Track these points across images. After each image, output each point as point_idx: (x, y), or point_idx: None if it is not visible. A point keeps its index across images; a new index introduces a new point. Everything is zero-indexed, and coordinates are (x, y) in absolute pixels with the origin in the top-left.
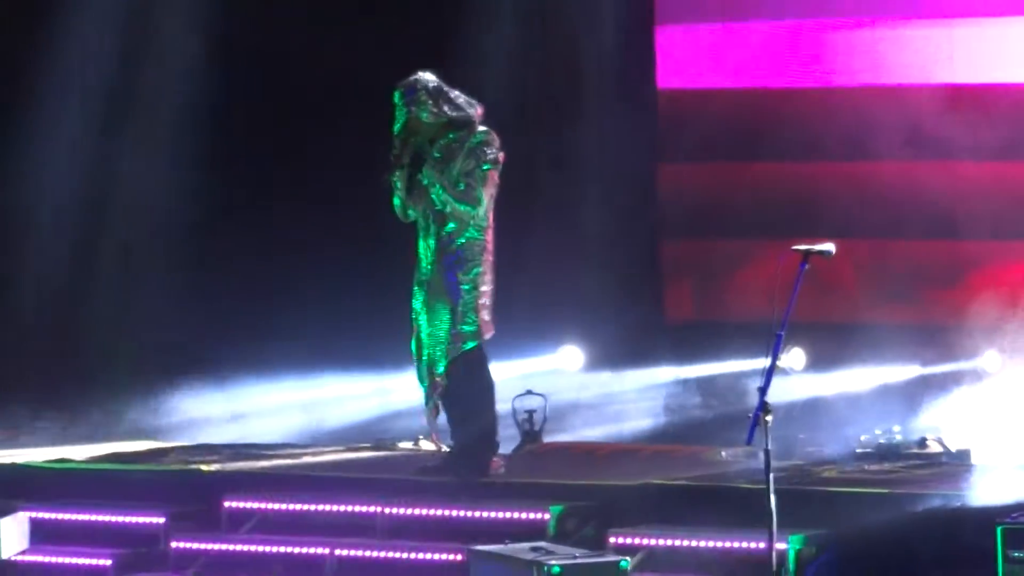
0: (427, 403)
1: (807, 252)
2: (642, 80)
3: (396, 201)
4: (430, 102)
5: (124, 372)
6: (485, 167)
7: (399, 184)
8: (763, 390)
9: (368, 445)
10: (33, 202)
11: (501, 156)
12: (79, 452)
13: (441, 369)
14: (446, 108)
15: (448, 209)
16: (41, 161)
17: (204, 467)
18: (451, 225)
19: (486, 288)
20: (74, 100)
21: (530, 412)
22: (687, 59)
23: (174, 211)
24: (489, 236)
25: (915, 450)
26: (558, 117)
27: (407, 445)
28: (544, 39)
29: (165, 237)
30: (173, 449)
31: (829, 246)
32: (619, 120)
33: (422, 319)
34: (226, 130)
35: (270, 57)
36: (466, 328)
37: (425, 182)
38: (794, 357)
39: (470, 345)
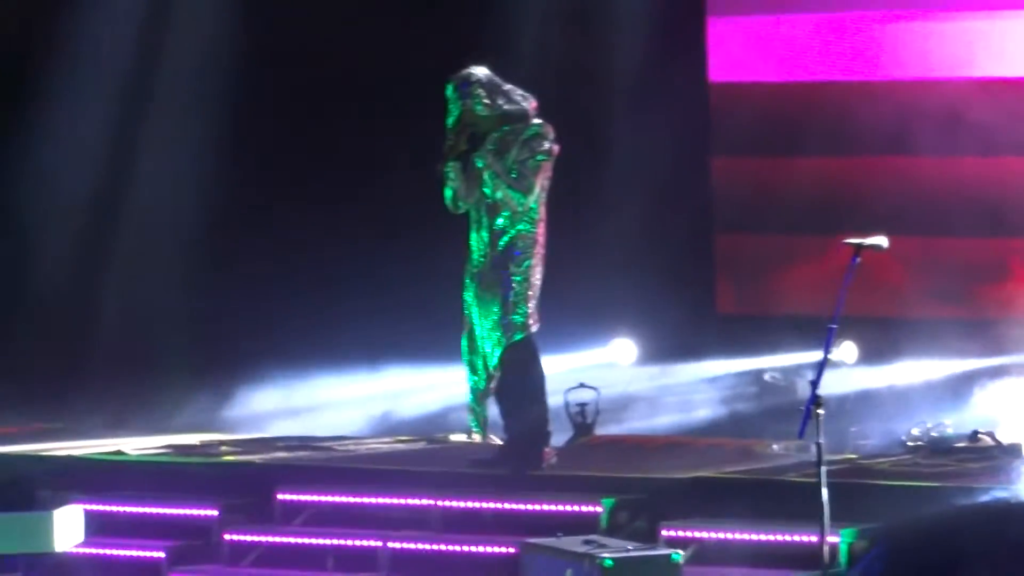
0: (476, 395)
1: (859, 246)
2: (694, 73)
3: (448, 193)
4: (484, 95)
5: (191, 364)
6: (539, 158)
7: (452, 176)
8: (815, 383)
9: (421, 438)
10: (85, 195)
11: (555, 148)
12: (140, 443)
13: (493, 361)
14: (500, 101)
15: (500, 196)
16: (80, 155)
17: (257, 459)
18: (503, 218)
19: (536, 280)
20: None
21: (582, 405)
22: (738, 52)
23: (229, 206)
24: (541, 229)
25: (966, 444)
26: (608, 111)
27: (460, 438)
28: (593, 35)
29: (222, 230)
30: (227, 441)
31: (881, 239)
32: (671, 113)
33: (474, 311)
34: (273, 124)
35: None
36: (516, 319)
37: (480, 164)
38: (846, 351)
39: (519, 336)
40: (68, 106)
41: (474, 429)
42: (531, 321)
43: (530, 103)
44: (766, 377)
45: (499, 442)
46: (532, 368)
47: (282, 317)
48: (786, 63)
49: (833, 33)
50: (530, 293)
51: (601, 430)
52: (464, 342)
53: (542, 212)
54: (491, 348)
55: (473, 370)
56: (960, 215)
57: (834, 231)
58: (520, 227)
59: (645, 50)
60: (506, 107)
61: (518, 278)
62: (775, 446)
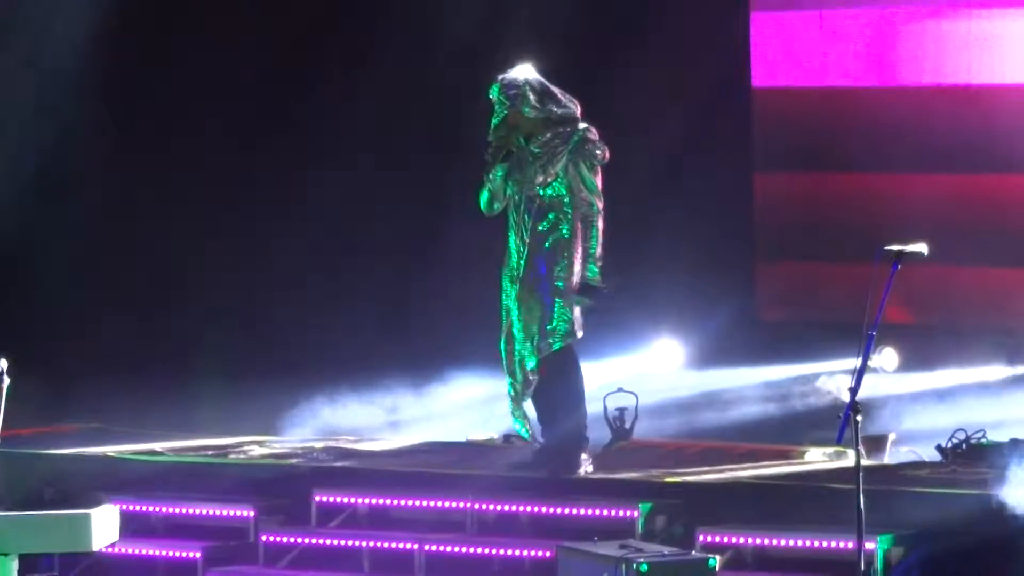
0: (516, 399)
1: (899, 253)
2: (737, 79)
3: (484, 195)
4: (534, 98)
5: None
6: (595, 161)
7: (493, 178)
8: (854, 390)
9: (460, 441)
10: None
11: (606, 151)
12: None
13: (532, 365)
14: (549, 104)
15: (551, 193)
16: None
17: (295, 461)
18: (546, 222)
19: (575, 281)
20: None
21: (621, 410)
22: (782, 54)
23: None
24: (584, 232)
25: (1005, 451)
26: (646, 114)
27: (498, 441)
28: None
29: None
30: (266, 442)
31: (922, 247)
32: (714, 120)
33: (513, 315)
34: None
35: None
36: (561, 326)
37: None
38: (886, 357)
39: (565, 341)
40: None
41: (519, 433)
42: (575, 327)
43: (577, 107)
44: (811, 454)
45: (537, 446)
46: (572, 373)
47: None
48: (836, 66)
49: (891, 31)
50: (573, 298)
51: (641, 434)
52: (503, 345)
53: (580, 233)
54: (529, 351)
55: (512, 374)
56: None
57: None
58: (563, 230)
59: (688, 54)
60: (556, 110)
61: (560, 283)
62: (812, 451)
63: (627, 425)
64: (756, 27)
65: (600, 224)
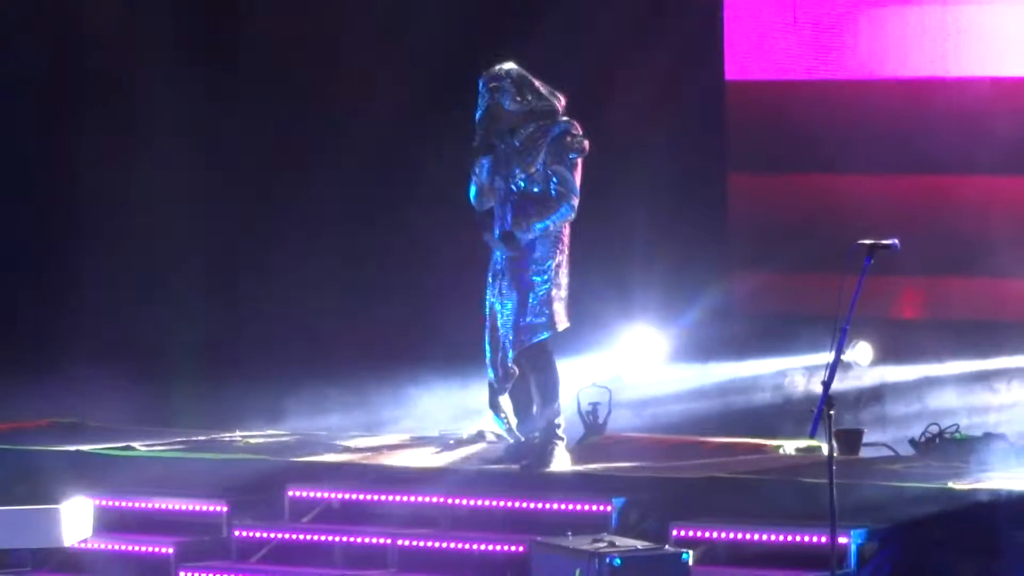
0: (495, 394)
1: (872, 247)
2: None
3: (473, 189)
4: (514, 91)
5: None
6: (572, 156)
7: (478, 172)
8: (827, 384)
9: (433, 436)
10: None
11: (586, 144)
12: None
13: (510, 360)
14: (531, 97)
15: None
16: None
17: (268, 456)
18: (527, 216)
19: (561, 281)
20: None
21: (594, 404)
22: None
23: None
24: (566, 229)
25: (979, 445)
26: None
27: (471, 436)
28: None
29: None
30: (239, 438)
31: (894, 241)
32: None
33: (496, 309)
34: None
35: None
36: (537, 320)
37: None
38: (860, 352)
39: (541, 337)
40: None
41: (499, 427)
42: (556, 322)
43: (559, 101)
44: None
45: (511, 441)
46: (547, 368)
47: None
48: (818, 57)
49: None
50: (555, 293)
51: (614, 429)
52: (487, 341)
53: (563, 231)
54: (509, 346)
55: (493, 368)
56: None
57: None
58: (544, 225)
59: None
60: (536, 103)
61: (539, 278)
62: (786, 446)
63: (600, 420)
64: (729, 16)
65: (570, 217)
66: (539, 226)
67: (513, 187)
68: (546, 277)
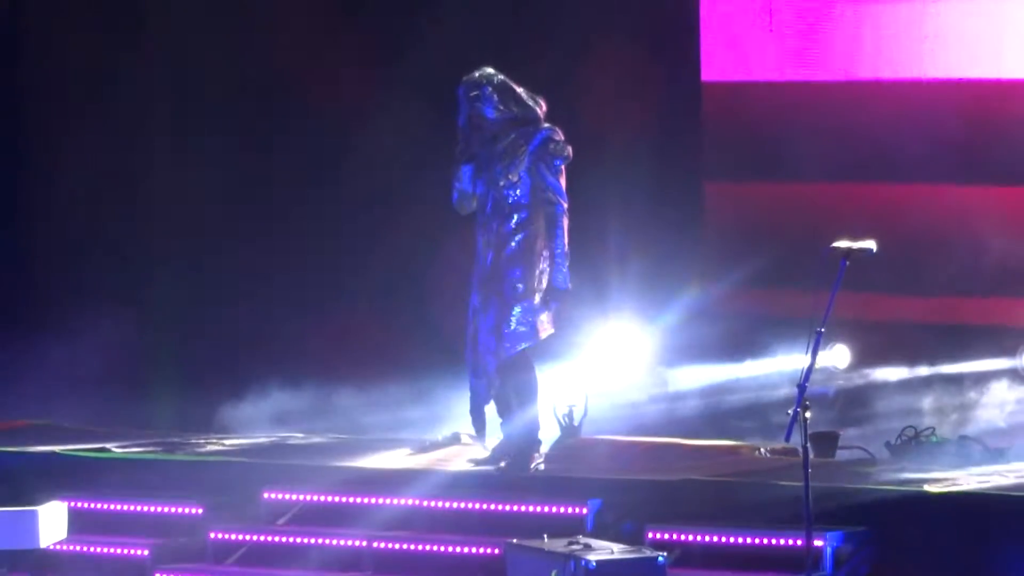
0: (476, 399)
1: (848, 250)
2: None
3: (455, 195)
4: (496, 98)
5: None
6: (557, 162)
7: (460, 177)
8: (802, 387)
9: (410, 438)
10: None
11: (569, 151)
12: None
13: (493, 367)
14: (512, 105)
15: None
16: None
17: (244, 458)
18: (510, 222)
19: (544, 287)
20: None
21: (570, 407)
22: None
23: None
24: (555, 234)
25: (953, 449)
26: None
27: (447, 439)
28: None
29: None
30: (215, 439)
31: (870, 243)
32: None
33: (480, 316)
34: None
35: None
36: (521, 328)
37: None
38: (838, 354)
39: (523, 346)
40: None
41: (474, 432)
42: (540, 329)
43: (540, 107)
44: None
45: (484, 445)
46: (526, 374)
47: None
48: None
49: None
50: (539, 302)
51: (590, 431)
52: (468, 348)
53: (554, 235)
54: (492, 353)
55: (475, 374)
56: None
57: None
58: (527, 232)
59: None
60: (517, 111)
61: (523, 285)
62: (762, 449)
63: (576, 422)
64: (705, 17)
65: (565, 223)
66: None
67: (496, 193)
68: (530, 285)
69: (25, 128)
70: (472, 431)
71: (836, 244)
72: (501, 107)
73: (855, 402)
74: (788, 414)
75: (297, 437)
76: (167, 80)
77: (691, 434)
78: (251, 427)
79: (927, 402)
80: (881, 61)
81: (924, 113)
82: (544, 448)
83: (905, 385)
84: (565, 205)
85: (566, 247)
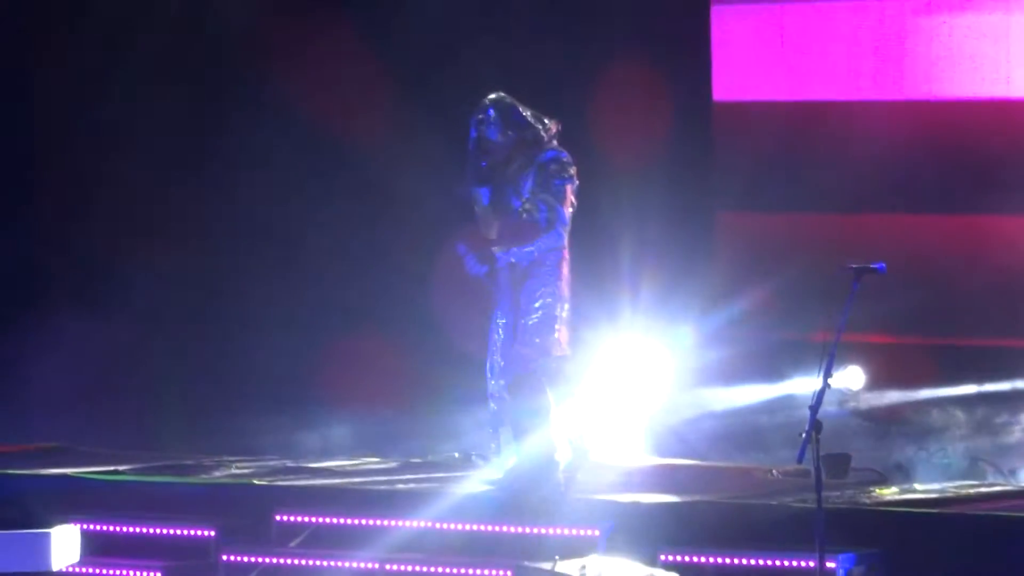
0: (495, 420)
1: (859, 270)
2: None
3: (478, 216)
4: (500, 123)
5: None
6: (558, 183)
7: (479, 200)
8: (814, 409)
9: (421, 460)
10: None
11: (573, 171)
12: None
13: (505, 387)
14: (510, 130)
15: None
16: None
17: (256, 480)
18: (526, 244)
19: (559, 313)
20: None
21: (582, 430)
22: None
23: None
24: (564, 255)
25: (966, 470)
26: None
27: (459, 458)
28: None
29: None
30: (227, 462)
31: (881, 264)
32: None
33: (495, 336)
34: None
35: None
36: (530, 348)
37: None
38: (851, 376)
39: (534, 365)
40: None
41: (491, 450)
42: (551, 350)
43: (547, 127)
44: (774, 473)
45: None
46: (537, 395)
47: None
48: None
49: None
50: (549, 323)
51: (603, 453)
52: (488, 367)
53: (565, 240)
54: (504, 373)
55: (490, 394)
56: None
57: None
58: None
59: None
60: (522, 133)
61: (535, 303)
62: (775, 471)
63: (588, 445)
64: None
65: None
66: (525, 250)
67: (509, 215)
68: (540, 304)
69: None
70: (485, 452)
71: (849, 265)
72: (508, 131)
73: (867, 423)
74: (801, 436)
75: (309, 459)
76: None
77: (704, 456)
78: (266, 451)
79: (939, 423)
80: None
81: (932, 136)
82: (557, 470)
83: (915, 406)
84: (561, 229)
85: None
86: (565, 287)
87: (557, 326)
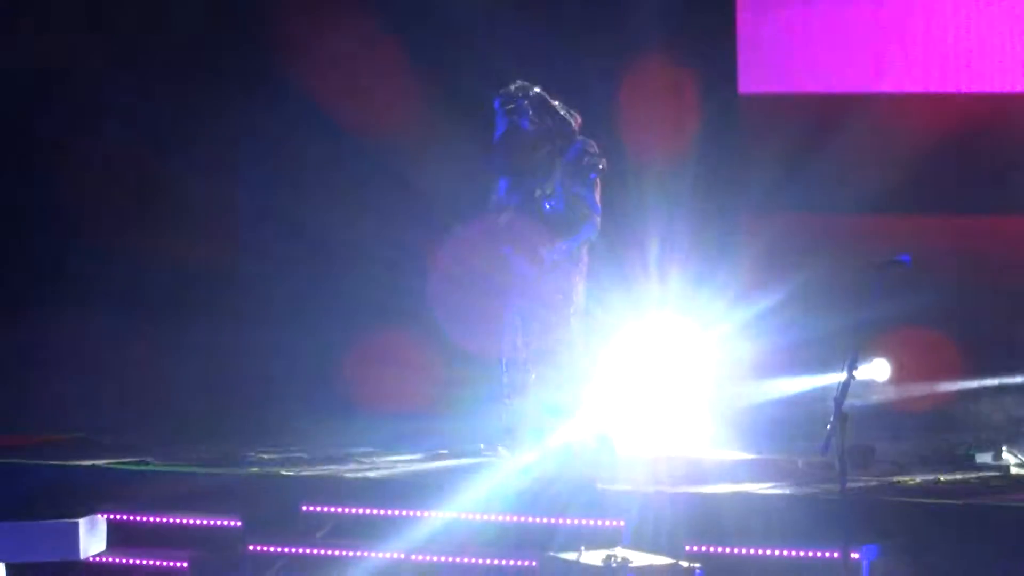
0: (513, 411)
1: (883, 263)
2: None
3: (492, 206)
4: (532, 111)
5: None
6: (592, 176)
7: (497, 190)
8: (839, 400)
9: (447, 451)
10: None
11: (603, 163)
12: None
13: (529, 381)
14: (548, 118)
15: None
16: None
17: (282, 471)
18: (548, 235)
19: (580, 302)
20: None
21: (607, 421)
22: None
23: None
24: (583, 249)
25: (990, 461)
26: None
27: (483, 451)
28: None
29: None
30: (253, 453)
31: (906, 257)
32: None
33: (518, 330)
34: None
35: None
36: (555, 341)
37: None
38: (877, 368)
39: (558, 357)
40: None
41: (512, 442)
42: (574, 342)
43: (575, 120)
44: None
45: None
46: (563, 389)
47: None
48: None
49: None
50: (573, 315)
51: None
52: (504, 361)
53: (583, 250)
54: (527, 365)
55: (513, 388)
56: None
57: None
58: (562, 246)
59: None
60: (551, 123)
61: (559, 298)
62: (800, 462)
63: (612, 437)
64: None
65: (591, 237)
66: (568, 247)
67: (532, 206)
68: (564, 298)
69: None
70: (510, 445)
71: (873, 259)
72: (536, 120)
73: (892, 414)
74: (826, 428)
75: (335, 450)
76: None
77: (730, 447)
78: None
79: (963, 416)
80: (918, 73)
81: (958, 131)
82: (582, 461)
83: (946, 397)
84: (598, 219)
85: (585, 260)
86: (583, 277)
87: (576, 317)
